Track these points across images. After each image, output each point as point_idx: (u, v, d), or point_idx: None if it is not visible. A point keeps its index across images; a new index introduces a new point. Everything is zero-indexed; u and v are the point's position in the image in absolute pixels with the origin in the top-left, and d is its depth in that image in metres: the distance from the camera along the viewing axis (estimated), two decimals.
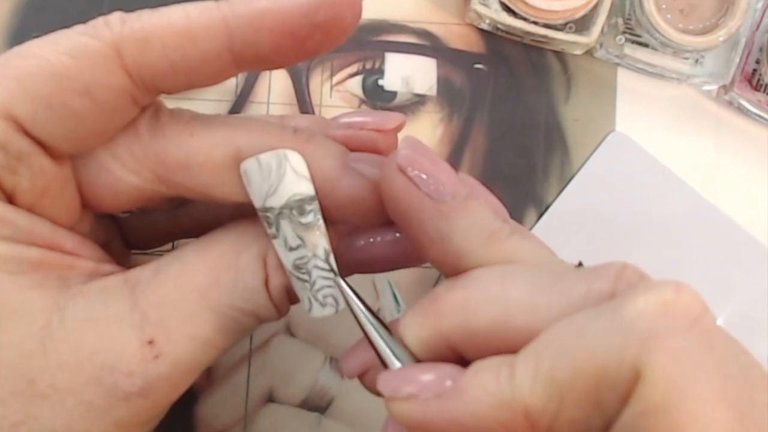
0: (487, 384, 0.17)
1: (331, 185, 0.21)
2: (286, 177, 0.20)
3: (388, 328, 0.20)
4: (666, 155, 0.33)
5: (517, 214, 0.33)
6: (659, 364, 0.15)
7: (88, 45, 0.19)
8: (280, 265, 0.21)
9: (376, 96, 0.33)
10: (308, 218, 0.20)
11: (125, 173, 0.21)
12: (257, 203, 0.20)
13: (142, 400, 0.19)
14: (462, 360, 0.18)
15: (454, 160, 0.33)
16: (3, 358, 0.19)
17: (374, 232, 0.22)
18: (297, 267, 0.20)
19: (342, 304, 0.21)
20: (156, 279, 0.20)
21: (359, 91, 0.33)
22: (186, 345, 0.20)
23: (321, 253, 0.20)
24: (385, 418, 0.19)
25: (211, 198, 0.21)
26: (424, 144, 0.20)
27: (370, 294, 0.32)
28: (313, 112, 0.33)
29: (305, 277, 0.21)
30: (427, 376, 0.18)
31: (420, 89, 0.33)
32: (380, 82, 0.33)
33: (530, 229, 0.33)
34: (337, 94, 0.33)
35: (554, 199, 0.33)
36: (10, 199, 0.20)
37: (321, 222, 0.21)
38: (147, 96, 0.20)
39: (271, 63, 0.20)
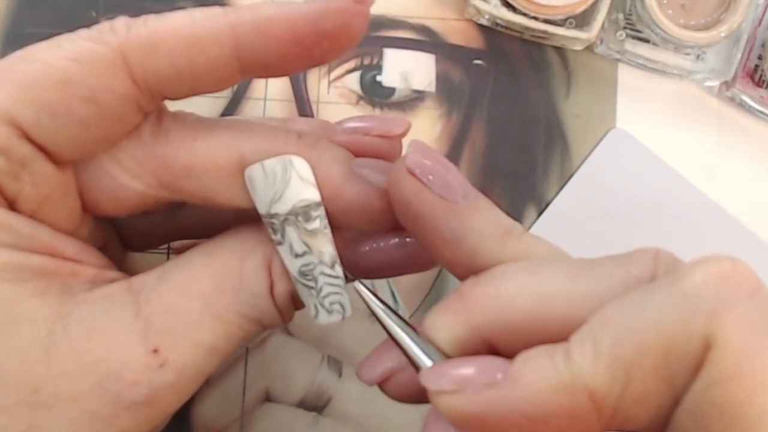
0: (543, 370, 0.16)
1: (337, 191, 0.20)
2: (291, 183, 0.20)
3: (414, 328, 0.19)
4: (667, 152, 0.33)
5: (516, 211, 0.32)
6: (730, 332, 0.15)
7: (93, 50, 0.19)
8: (285, 271, 0.21)
9: (374, 92, 0.33)
10: (314, 224, 0.20)
11: (128, 179, 0.20)
12: (262, 210, 0.20)
13: (146, 409, 0.19)
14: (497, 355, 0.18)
15: (453, 157, 0.33)
16: (6, 367, 0.18)
17: (380, 238, 0.22)
18: (303, 274, 0.20)
19: (349, 311, 0.21)
20: (160, 286, 0.20)
21: (357, 88, 0.33)
22: (191, 352, 0.20)
23: (327, 259, 0.20)
24: (426, 418, 0.19)
25: (214, 203, 0.21)
26: (430, 147, 0.20)
27: None
28: (311, 109, 0.33)
29: (311, 284, 0.20)
30: (474, 367, 0.18)
31: (419, 85, 0.33)
32: (378, 78, 0.33)
33: (530, 226, 0.32)
34: (334, 91, 0.33)
35: (554, 197, 0.32)
36: (12, 206, 0.19)
37: (327, 228, 0.20)
38: (152, 102, 0.20)
39: (278, 70, 0.20)
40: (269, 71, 0.20)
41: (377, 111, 0.33)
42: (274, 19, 0.19)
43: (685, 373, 0.16)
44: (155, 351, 0.19)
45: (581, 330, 0.17)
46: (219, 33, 0.19)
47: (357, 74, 0.33)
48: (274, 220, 0.20)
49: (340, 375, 0.31)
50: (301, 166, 0.20)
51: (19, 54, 0.19)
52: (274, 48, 0.19)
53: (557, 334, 0.17)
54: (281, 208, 0.20)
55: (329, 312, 0.21)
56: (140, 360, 0.19)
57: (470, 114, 0.33)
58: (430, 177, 0.19)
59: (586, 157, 0.33)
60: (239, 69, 0.19)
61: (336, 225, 0.21)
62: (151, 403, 0.19)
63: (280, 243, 0.20)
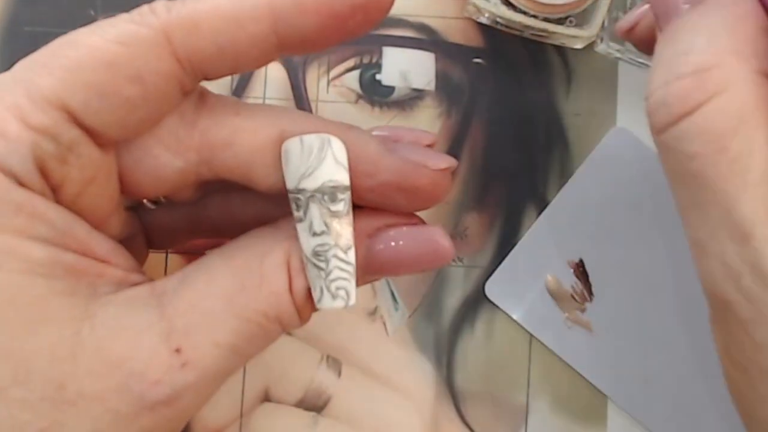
0: None
1: (375, 164, 0.21)
2: (325, 161, 0.20)
3: None
4: None
5: (516, 210, 0.32)
6: None
7: (137, 32, 0.19)
8: (303, 268, 0.21)
9: (373, 91, 0.33)
10: (338, 206, 0.20)
11: (169, 156, 0.21)
12: (290, 184, 0.21)
13: (167, 409, 0.19)
14: None
15: (453, 155, 0.32)
16: (34, 364, 0.18)
17: (393, 237, 0.22)
18: (316, 254, 0.20)
19: (353, 300, 0.21)
20: (182, 288, 0.20)
21: (356, 86, 0.33)
22: (212, 352, 0.20)
23: (343, 243, 0.20)
24: None
25: (249, 180, 0.21)
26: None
27: (368, 292, 0.31)
28: (310, 108, 0.33)
29: (322, 265, 0.20)
30: None
31: (418, 84, 0.33)
32: (378, 76, 0.33)
33: (530, 225, 0.32)
34: (334, 89, 0.33)
35: (554, 195, 0.32)
36: (57, 190, 0.20)
37: (350, 215, 0.21)
38: (194, 81, 0.21)
39: (314, 45, 0.21)
40: (306, 46, 0.21)
41: (376, 110, 0.33)
42: None
43: None
44: (177, 350, 0.19)
45: None
46: (258, 10, 0.20)
47: (356, 73, 0.33)
48: (299, 196, 0.20)
49: (339, 374, 0.31)
50: (338, 148, 0.20)
51: (62, 40, 0.20)
52: (311, 22, 0.20)
53: None
54: (310, 184, 0.20)
55: (334, 297, 0.21)
56: (163, 360, 0.19)
57: (470, 113, 0.33)
58: None
59: (587, 156, 0.33)
60: (277, 45, 0.20)
61: (366, 202, 0.21)
62: (172, 403, 0.19)
63: (300, 220, 0.21)
